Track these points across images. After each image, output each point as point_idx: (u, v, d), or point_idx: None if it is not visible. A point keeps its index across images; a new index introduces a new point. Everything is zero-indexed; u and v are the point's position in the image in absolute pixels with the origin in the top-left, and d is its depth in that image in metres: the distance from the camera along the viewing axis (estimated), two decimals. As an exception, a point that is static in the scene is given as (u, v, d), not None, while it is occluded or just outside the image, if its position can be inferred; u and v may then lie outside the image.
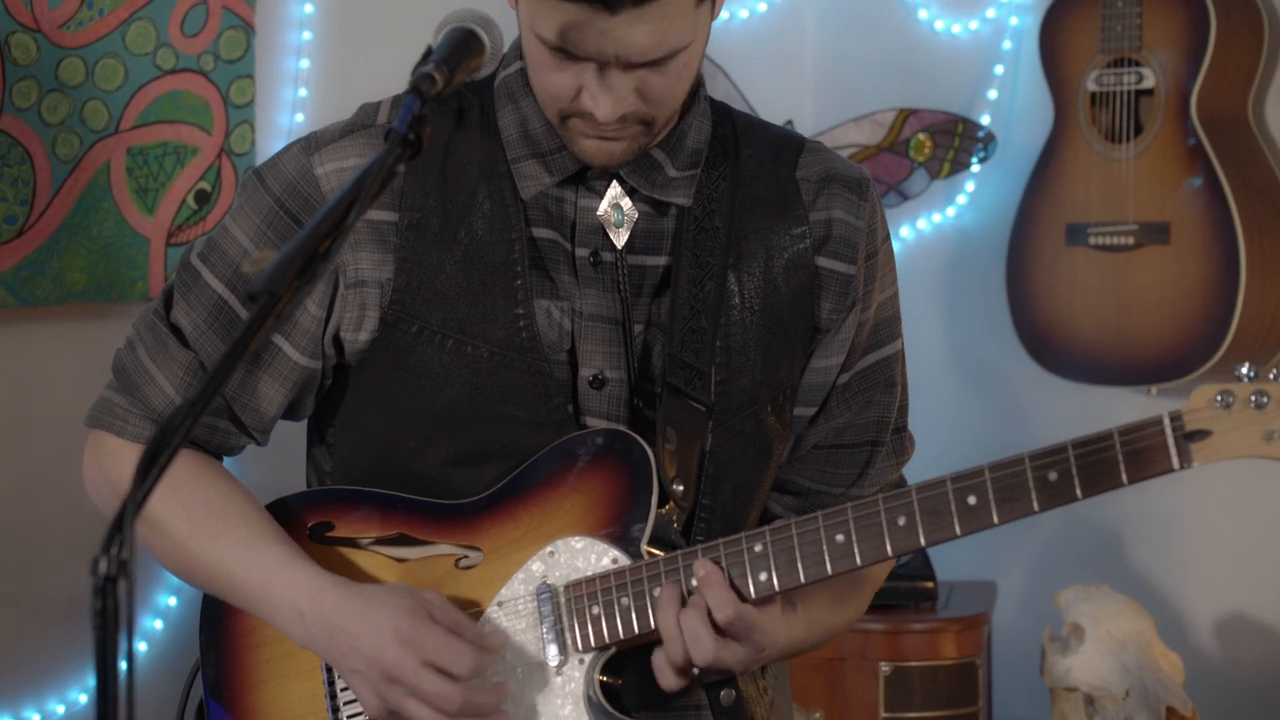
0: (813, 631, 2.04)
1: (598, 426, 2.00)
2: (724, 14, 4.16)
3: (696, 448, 2.01)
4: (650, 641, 1.93)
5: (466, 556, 1.99)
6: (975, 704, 3.67)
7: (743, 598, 1.90)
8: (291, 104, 3.43)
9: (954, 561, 3.94)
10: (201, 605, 2.07)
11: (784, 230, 2.07)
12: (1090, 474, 1.81)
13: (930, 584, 3.75)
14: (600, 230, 2.03)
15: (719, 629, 1.89)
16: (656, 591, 1.91)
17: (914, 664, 3.64)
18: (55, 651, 3.11)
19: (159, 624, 3.26)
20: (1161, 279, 3.80)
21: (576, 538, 1.96)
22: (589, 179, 2.02)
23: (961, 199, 4.19)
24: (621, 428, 1.99)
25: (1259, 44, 3.82)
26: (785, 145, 2.11)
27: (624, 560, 1.95)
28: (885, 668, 3.63)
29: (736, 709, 2.02)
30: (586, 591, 1.94)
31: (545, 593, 1.96)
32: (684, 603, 1.90)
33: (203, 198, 3.29)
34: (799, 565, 1.89)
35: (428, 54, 1.80)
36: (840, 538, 1.88)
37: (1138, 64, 3.81)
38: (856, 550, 1.88)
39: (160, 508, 1.99)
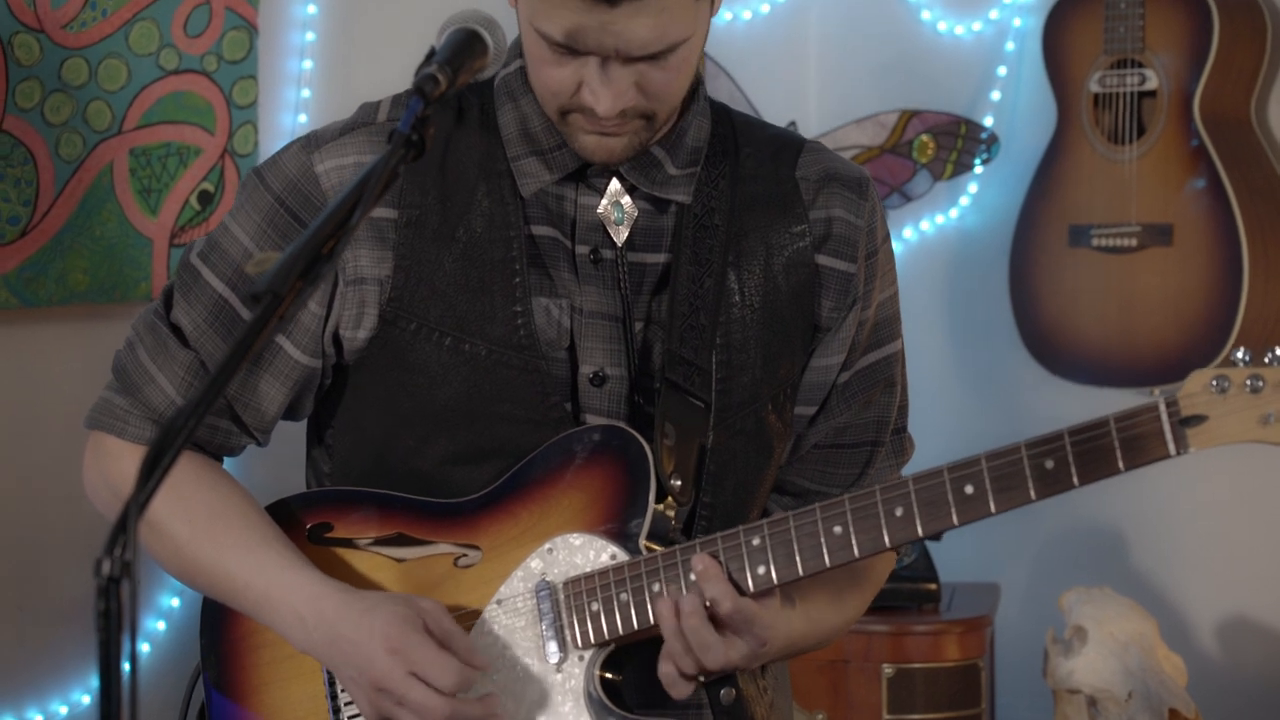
0: (813, 629, 2.04)
1: (596, 423, 2.00)
2: (727, 15, 4.18)
3: (695, 444, 2.01)
4: (650, 637, 1.93)
5: (465, 555, 1.99)
6: (978, 706, 3.66)
7: (742, 592, 1.90)
8: (294, 105, 3.44)
9: (957, 563, 3.94)
10: (202, 608, 2.07)
11: (784, 228, 2.07)
12: (1087, 461, 1.81)
13: (933, 586, 3.75)
14: (600, 227, 2.03)
15: (719, 623, 1.89)
16: (655, 587, 1.91)
17: (917, 666, 3.64)
18: (58, 652, 3.12)
19: (162, 625, 3.27)
20: (1164, 281, 3.80)
21: (575, 534, 1.96)
22: (589, 176, 2.03)
23: (964, 200, 4.19)
24: (619, 424, 1.98)
25: (1262, 45, 3.82)
26: (785, 145, 2.11)
27: (622, 556, 1.94)
28: (888, 669, 3.63)
29: (736, 708, 2.02)
30: (585, 588, 1.94)
31: (544, 590, 1.96)
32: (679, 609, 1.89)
33: (206, 198, 3.29)
34: (797, 558, 1.89)
35: (431, 55, 1.80)
36: (838, 529, 1.88)
37: (1141, 65, 3.80)
38: (854, 542, 1.88)
39: (161, 510, 1.98)
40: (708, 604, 1.88)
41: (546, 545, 1.97)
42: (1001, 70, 4.13)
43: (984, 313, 4.15)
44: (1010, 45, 4.12)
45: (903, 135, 4.07)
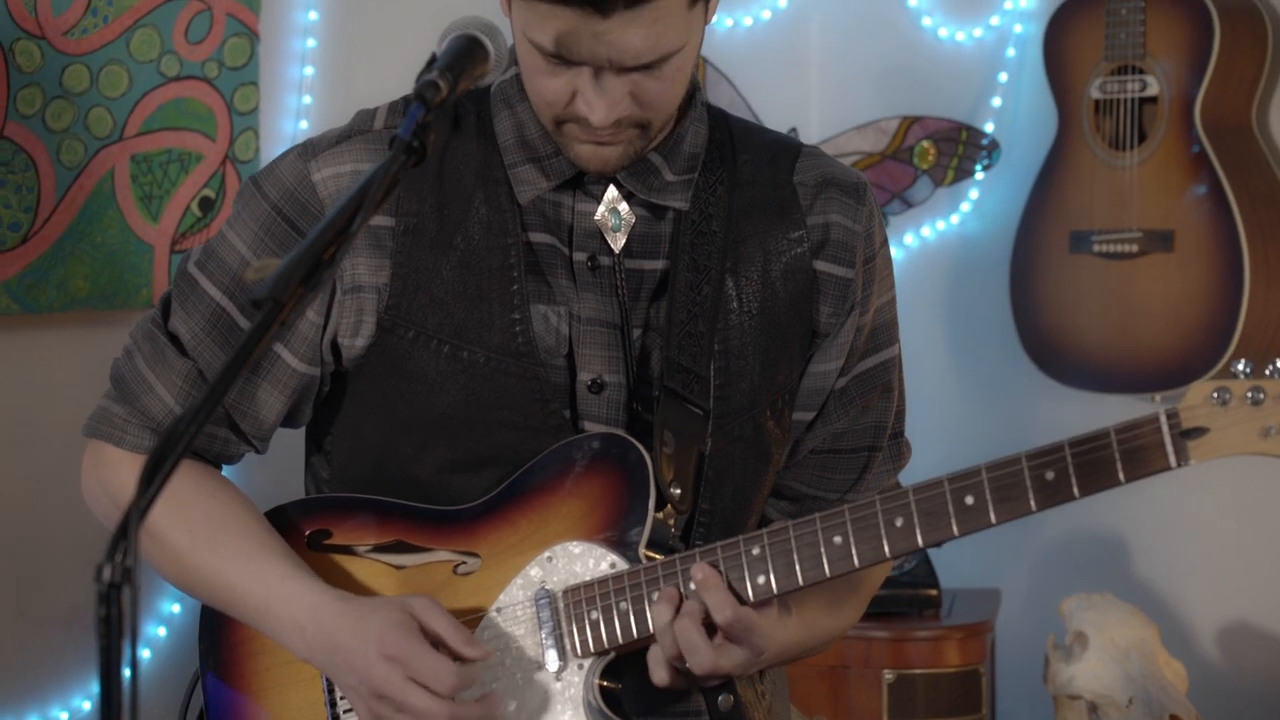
0: (809, 635, 2.04)
1: (594, 431, 2.00)
2: (728, 21, 4.18)
3: (694, 451, 2.00)
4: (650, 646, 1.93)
5: (464, 563, 1.99)
6: (979, 712, 3.66)
7: (741, 601, 1.89)
8: (296, 111, 3.44)
9: (957, 569, 3.94)
10: (201, 614, 2.07)
11: (781, 234, 2.07)
12: (1087, 473, 1.81)
13: (934, 591, 3.75)
14: (598, 234, 2.03)
15: (717, 631, 1.89)
16: (655, 596, 1.91)
17: (917, 672, 3.64)
18: (59, 657, 3.12)
19: (162, 631, 3.27)
20: (1165, 287, 3.80)
21: (574, 542, 1.96)
22: (586, 183, 2.02)
23: (965, 206, 4.19)
24: (618, 431, 1.98)
25: (1263, 52, 3.82)
26: (782, 150, 2.11)
27: (622, 565, 1.94)
28: (889, 675, 3.63)
29: (735, 714, 2.02)
30: (585, 596, 1.94)
31: (544, 598, 1.96)
32: (678, 611, 1.89)
33: (207, 205, 3.29)
34: (797, 568, 1.89)
35: (432, 61, 1.79)
36: (838, 540, 1.88)
37: (1142, 71, 3.81)
38: (854, 552, 1.88)
39: (161, 519, 1.98)
40: (707, 612, 1.88)
41: (546, 553, 1.97)
42: (1002, 76, 4.13)
43: (985, 319, 4.15)
44: (1011, 51, 4.12)
45: (904, 141, 4.07)
